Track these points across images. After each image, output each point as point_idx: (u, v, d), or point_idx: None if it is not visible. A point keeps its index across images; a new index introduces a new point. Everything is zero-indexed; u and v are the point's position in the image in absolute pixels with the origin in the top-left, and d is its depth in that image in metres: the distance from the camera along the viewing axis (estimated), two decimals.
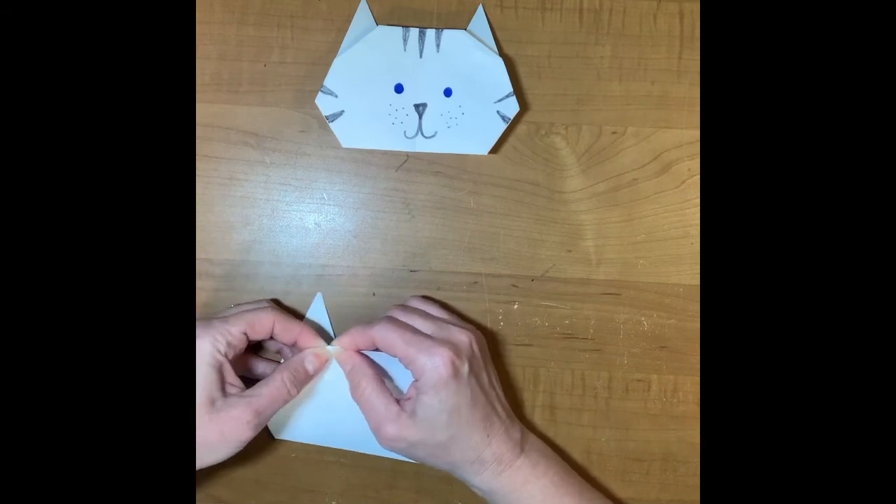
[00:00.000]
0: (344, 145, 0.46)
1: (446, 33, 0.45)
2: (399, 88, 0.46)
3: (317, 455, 0.48)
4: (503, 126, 0.46)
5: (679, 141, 0.48)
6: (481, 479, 0.43)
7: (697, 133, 0.47)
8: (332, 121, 0.45)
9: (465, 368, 0.41)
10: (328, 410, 0.46)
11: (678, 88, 0.48)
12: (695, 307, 0.48)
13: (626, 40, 0.48)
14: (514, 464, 0.43)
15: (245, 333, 0.42)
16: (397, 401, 0.42)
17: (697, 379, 0.48)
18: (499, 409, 0.43)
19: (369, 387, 0.42)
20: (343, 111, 0.45)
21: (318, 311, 0.48)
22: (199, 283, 0.47)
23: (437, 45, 0.45)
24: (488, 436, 0.42)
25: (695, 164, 0.48)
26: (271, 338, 0.44)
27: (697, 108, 0.47)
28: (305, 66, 0.47)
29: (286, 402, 0.42)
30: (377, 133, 0.46)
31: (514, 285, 0.48)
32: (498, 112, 0.46)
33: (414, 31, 0.45)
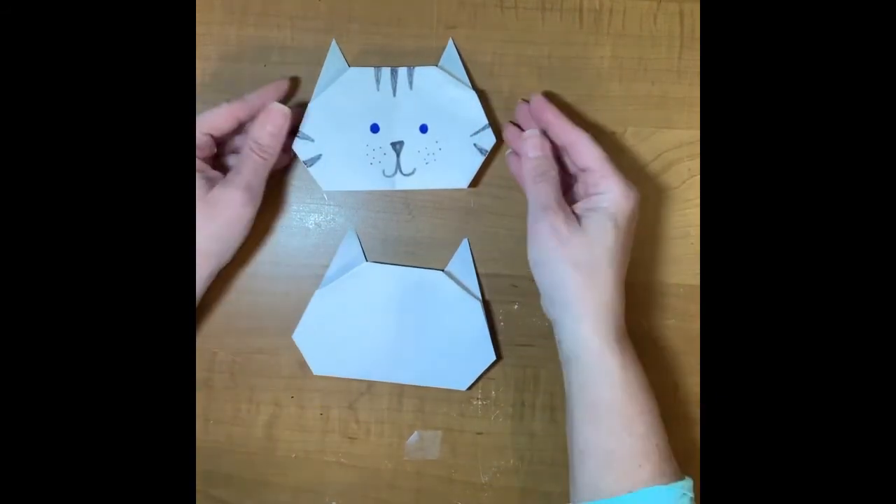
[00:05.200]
0: (324, 188, 0.46)
1: (418, 70, 0.45)
2: (375, 128, 0.46)
3: (317, 455, 0.48)
4: (481, 158, 0.46)
5: (679, 141, 0.48)
6: (587, 331, 0.40)
7: (697, 133, 0.47)
8: (309, 165, 0.45)
9: (634, 223, 0.42)
10: (370, 340, 0.46)
11: (678, 88, 0.48)
12: (695, 307, 0.48)
13: (626, 40, 0.47)
14: (622, 342, 0.40)
15: (208, 135, 0.43)
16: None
17: (697, 379, 0.48)
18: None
19: (553, 179, 0.42)
20: (321, 155, 0.45)
21: (351, 245, 0.48)
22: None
23: (410, 83, 0.45)
24: (614, 298, 0.40)
25: (695, 164, 0.48)
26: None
27: (697, 108, 0.47)
28: (305, 66, 0.47)
29: (268, 167, 0.43)
30: (356, 174, 0.46)
31: (513, 285, 0.48)
32: (475, 145, 0.46)
33: (386, 71, 0.45)
